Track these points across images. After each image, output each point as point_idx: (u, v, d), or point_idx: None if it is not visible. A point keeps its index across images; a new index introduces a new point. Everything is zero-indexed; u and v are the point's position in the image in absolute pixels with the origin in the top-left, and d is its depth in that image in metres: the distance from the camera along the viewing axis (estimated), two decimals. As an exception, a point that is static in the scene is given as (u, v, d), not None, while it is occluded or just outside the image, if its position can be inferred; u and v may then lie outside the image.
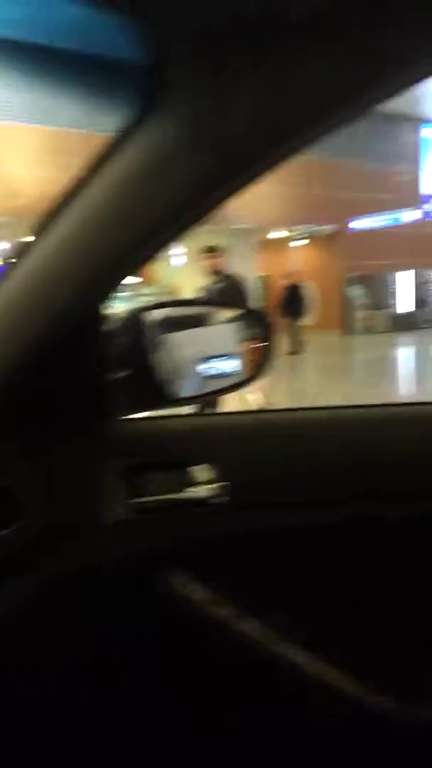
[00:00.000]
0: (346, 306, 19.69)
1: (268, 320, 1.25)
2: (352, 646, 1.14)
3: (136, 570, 1.10)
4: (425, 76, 0.64)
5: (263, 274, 19.74)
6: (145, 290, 20.62)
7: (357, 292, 18.56)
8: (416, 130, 20.98)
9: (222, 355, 1.37)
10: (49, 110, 14.25)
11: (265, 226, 18.22)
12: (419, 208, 19.87)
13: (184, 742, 1.18)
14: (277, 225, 18.40)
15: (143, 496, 1.06)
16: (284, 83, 0.64)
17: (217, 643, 1.12)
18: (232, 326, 1.40)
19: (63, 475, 1.05)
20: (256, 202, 17.31)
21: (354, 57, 0.61)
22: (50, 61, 13.91)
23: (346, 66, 0.62)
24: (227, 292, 5.76)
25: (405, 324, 19.95)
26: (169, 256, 20.37)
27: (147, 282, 21.80)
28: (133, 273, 0.90)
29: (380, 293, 20.05)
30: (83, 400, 1.04)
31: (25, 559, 1.01)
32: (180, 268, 19.42)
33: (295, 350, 15.10)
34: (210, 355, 1.38)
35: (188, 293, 17.97)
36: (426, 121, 20.82)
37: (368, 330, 19.63)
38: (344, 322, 19.72)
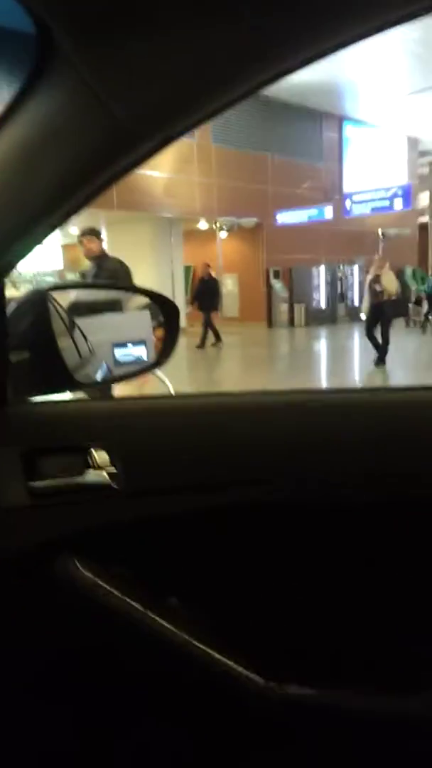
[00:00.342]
0: (270, 299, 19.96)
1: (172, 306, 1.24)
2: (249, 630, 1.14)
3: (33, 555, 1.08)
4: (301, 63, 0.63)
5: (188, 264, 19.82)
6: (70, 275, 20.34)
7: (279, 286, 18.80)
8: (339, 127, 21.46)
9: (130, 341, 1.38)
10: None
11: (190, 217, 18.23)
12: (341, 203, 20.31)
13: (80, 727, 1.18)
14: (202, 215, 18.46)
15: (40, 480, 1.05)
16: (165, 61, 0.63)
17: (113, 628, 1.11)
18: (141, 312, 1.39)
19: None
20: (182, 192, 17.39)
21: (233, 40, 0.60)
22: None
23: (225, 48, 0.61)
24: (104, 277, 5.58)
25: (325, 317, 20.39)
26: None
27: (71, 267, 21.52)
28: (25, 252, 0.89)
29: (302, 287, 20.36)
30: None
31: None
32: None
33: (211, 342, 14.96)
34: (119, 339, 1.39)
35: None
36: (348, 118, 21.32)
37: (290, 323, 19.95)
38: (268, 315, 19.97)
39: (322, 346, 16.28)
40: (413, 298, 19.19)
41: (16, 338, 1.05)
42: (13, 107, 0.73)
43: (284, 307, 19.98)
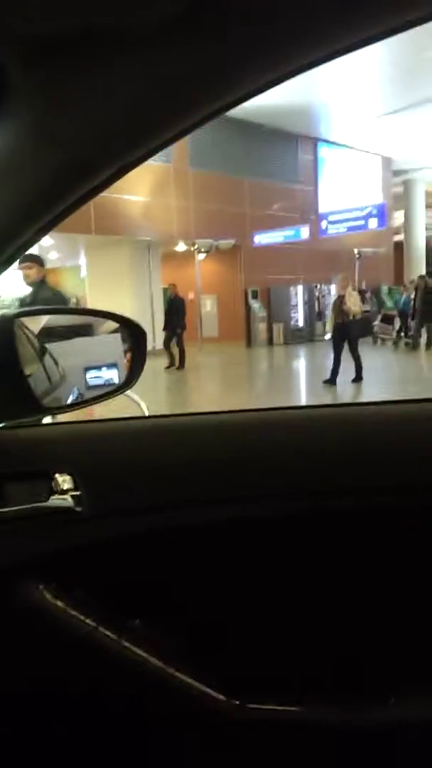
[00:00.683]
0: (248, 319, 20.08)
1: (139, 330, 1.25)
2: (212, 649, 1.15)
3: None
4: (259, 88, 0.63)
5: (166, 285, 19.93)
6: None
7: (257, 305, 18.93)
8: (314, 149, 21.80)
9: (101, 364, 1.38)
10: None
11: (168, 239, 18.37)
12: (317, 224, 20.59)
13: (44, 753, 1.17)
14: (180, 238, 18.60)
15: (3, 505, 1.05)
16: (116, 92, 0.63)
17: (78, 652, 1.10)
18: (112, 336, 1.39)
19: None
20: (160, 215, 17.53)
21: (184, 68, 0.59)
22: None
23: (176, 76, 0.60)
24: (38, 304, 5.47)
25: (303, 336, 20.54)
26: (78, 267, 20.23)
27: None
28: None
29: (280, 306, 20.50)
30: None
31: None
32: (85, 278, 19.31)
33: (176, 363, 14.70)
34: (89, 364, 1.39)
35: (93, 304, 17.91)
36: (322, 140, 21.67)
37: (269, 342, 20.04)
38: (246, 334, 20.07)
39: (300, 364, 16.38)
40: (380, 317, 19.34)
41: None
42: None
43: (263, 327, 20.09)
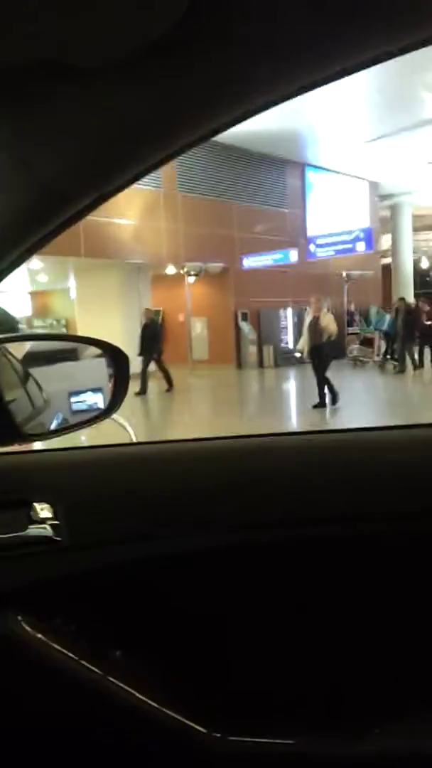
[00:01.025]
0: (238, 341, 20.11)
1: (121, 355, 1.25)
2: (194, 681, 1.14)
3: None
4: (225, 125, 0.63)
5: (158, 308, 19.97)
6: (39, 322, 20.40)
7: (247, 328, 18.97)
8: (300, 174, 22.03)
9: (86, 389, 1.37)
10: None
11: (158, 263, 18.45)
12: (305, 247, 20.75)
13: None
14: (170, 261, 18.69)
15: None
16: (90, 121, 0.62)
17: (57, 684, 1.09)
18: (96, 361, 1.39)
19: None
20: (149, 238, 17.63)
21: (156, 98, 0.59)
22: None
23: (151, 105, 0.60)
24: None
25: (293, 358, 20.55)
26: (67, 289, 20.28)
27: (40, 314, 21.56)
28: None
29: (270, 329, 20.54)
30: None
31: None
32: (75, 301, 19.33)
33: (146, 391, 13.84)
34: (73, 389, 1.38)
35: (82, 327, 17.94)
36: (310, 165, 21.89)
37: (259, 364, 20.04)
38: (237, 357, 20.07)
39: (290, 387, 16.41)
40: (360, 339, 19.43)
41: None
42: None
43: (253, 349, 20.09)
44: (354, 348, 18.36)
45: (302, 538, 1.15)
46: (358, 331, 19.89)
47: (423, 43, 0.54)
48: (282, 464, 1.21)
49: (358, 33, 0.53)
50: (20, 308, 19.53)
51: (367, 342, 19.10)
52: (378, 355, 18.22)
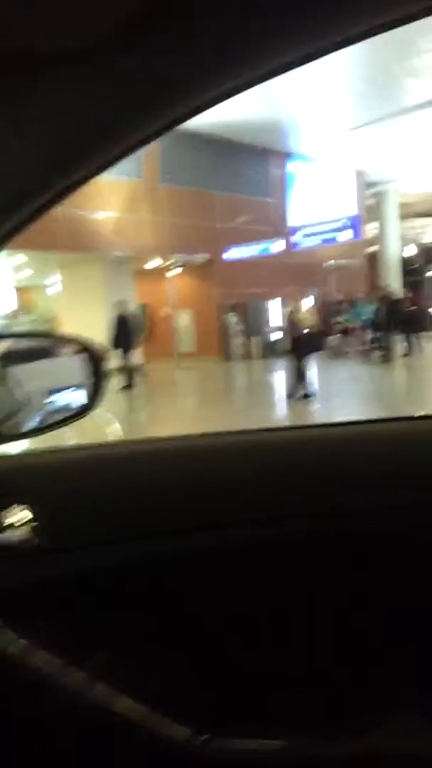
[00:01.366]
0: (223, 333, 20.06)
1: (95, 352, 1.25)
2: (178, 682, 1.13)
3: None
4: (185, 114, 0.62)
5: (141, 302, 19.89)
6: (23, 318, 20.27)
7: (233, 320, 18.95)
8: (283, 164, 21.93)
9: (66, 387, 1.34)
10: None
11: (140, 255, 18.34)
12: (287, 238, 20.65)
13: None
14: (152, 253, 18.59)
15: None
16: (61, 111, 0.61)
17: (38, 687, 1.06)
18: (76, 358, 1.35)
19: None
20: (132, 231, 17.50)
21: (115, 90, 0.58)
22: None
23: (117, 96, 0.59)
24: None
25: (280, 349, 20.56)
26: (47, 285, 20.13)
27: (25, 310, 21.40)
28: None
29: (254, 321, 20.50)
30: None
31: None
32: (58, 297, 19.23)
33: (128, 384, 13.69)
34: (53, 386, 1.37)
35: (67, 322, 17.82)
36: (292, 155, 21.80)
37: (247, 356, 20.02)
38: (222, 349, 20.04)
39: (277, 378, 16.32)
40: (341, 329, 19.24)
41: None
42: None
43: (239, 341, 20.08)
44: (334, 339, 18.18)
45: (293, 534, 1.14)
46: (340, 321, 19.72)
47: (410, 18, 0.54)
48: (271, 459, 1.20)
49: (347, 4, 0.52)
50: (6, 304, 19.36)
51: (345, 333, 18.89)
52: (363, 344, 18.09)
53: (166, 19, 0.51)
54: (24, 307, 21.59)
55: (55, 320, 19.48)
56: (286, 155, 21.70)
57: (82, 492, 1.14)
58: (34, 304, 22.30)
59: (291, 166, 22.13)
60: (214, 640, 1.17)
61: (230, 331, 20.02)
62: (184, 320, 20.35)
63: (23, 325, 18.22)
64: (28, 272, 18.95)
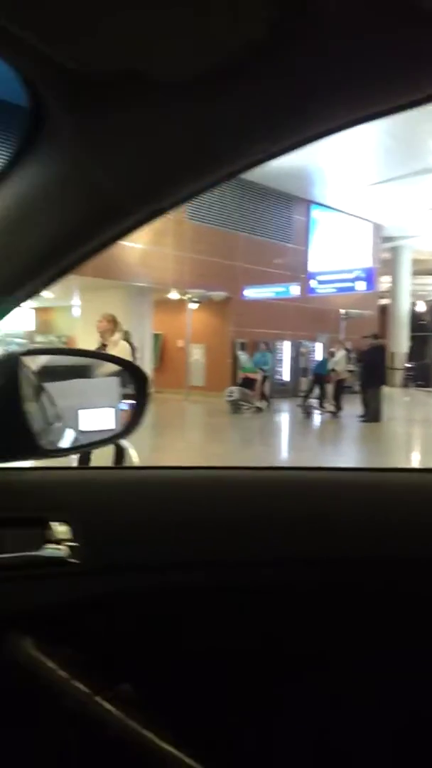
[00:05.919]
0: (234, 370, 20.25)
1: (141, 375, 1.23)
2: (204, 721, 1.10)
3: None
4: (291, 146, 0.62)
5: (158, 332, 20.22)
6: (41, 338, 20.52)
7: (243, 358, 19.04)
8: (306, 211, 22.50)
9: (97, 408, 1.35)
10: None
11: (162, 287, 18.70)
12: (306, 282, 21.01)
13: None
14: (173, 286, 18.93)
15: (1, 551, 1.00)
16: (156, 139, 0.61)
17: (61, 713, 1.04)
18: (111, 380, 1.37)
19: None
20: (155, 263, 17.86)
21: (224, 121, 0.58)
22: None
23: (217, 128, 0.59)
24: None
25: (287, 391, 20.68)
26: (66, 307, 20.39)
27: (42, 330, 21.74)
28: (3, 315, 0.86)
29: (270, 360, 20.58)
30: None
31: None
32: (78, 318, 19.47)
33: None
34: (86, 406, 1.35)
35: (85, 344, 18.02)
36: (315, 203, 22.37)
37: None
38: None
39: (274, 419, 16.28)
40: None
41: None
42: (2, 177, 0.72)
43: (248, 379, 20.20)
44: (234, 390, 16.53)
45: (314, 577, 1.13)
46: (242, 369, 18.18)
47: None
48: (298, 500, 1.18)
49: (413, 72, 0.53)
50: (23, 323, 19.66)
51: (249, 383, 17.04)
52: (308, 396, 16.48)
53: (275, 58, 0.51)
54: (42, 327, 21.85)
55: (71, 342, 19.71)
56: (310, 203, 22.25)
57: (119, 514, 1.11)
58: (52, 325, 22.58)
59: (314, 213, 22.66)
60: (245, 678, 1.13)
61: (240, 368, 20.12)
62: (196, 354, 20.63)
63: (40, 345, 18.37)
64: (48, 293, 19.24)
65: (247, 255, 20.49)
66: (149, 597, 1.10)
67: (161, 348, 21.15)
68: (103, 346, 8.10)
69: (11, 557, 1.00)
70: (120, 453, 6.16)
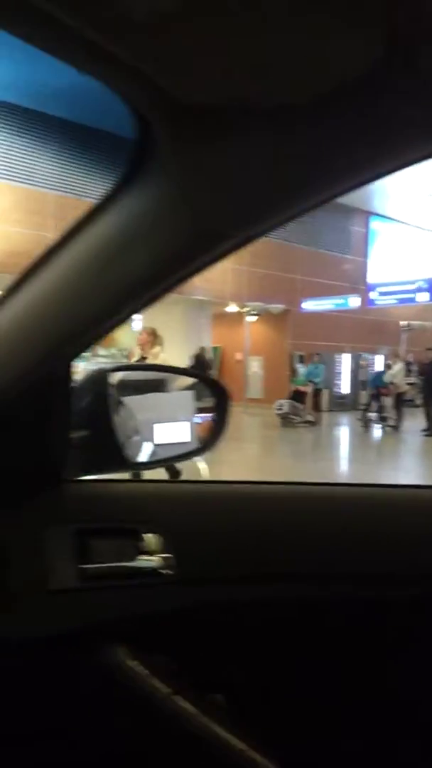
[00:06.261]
0: (292, 383, 20.17)
1: (223, 390, 1.23)
2: (295, 728, 1.10)
3: (79, 639, 1.04)
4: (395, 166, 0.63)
5: (217, 345, 20.36)
6: (103, 352, 20.85)
7: (303, 370, 18.93)
8: (365, 223, 22.34)
9: (173, 422, 1.37)
10: (30, 171, 14.76)
11: (221, 300, 18.82)
12: (364, 295, 20.85)
13: None
14: (232, 300, 19.04)
15: (92, 561, 1.02)
16: (264, 164, 0.62)
17: (155, 721, 1.04)
18: (185, 394, 1.40)
19: (15, 536, 1.00)
20: (215, 276, 17.97)
21: (334, 145, 0.58)
22: (40, 125, 14.49)
23: (326, 152, 0.59)
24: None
25: (346, 404, 20.52)
26: (131, 320, 20.64)
27: (105, 344, 22.08)
28: (96, 341, 0.88)
29: (325, 373, 20.60)
30: (40, 459, 1.02)
31: None
32: (138, 332, 19.72)
33: None
34: (162, 420, 1.37)
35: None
36: (375, 214, 22.20)
37: (313, 407, 19.88)
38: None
39: (332, 432, 16.11)
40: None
41: (75, 416, 1.05)
42: (104, 205, 0.73)
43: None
44: (283, 403, 16.25)
45: (397, 591, 1.14)
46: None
47: None
48: (379, 516, 1.19)
49: None
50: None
51: (299, 396, 16.95)
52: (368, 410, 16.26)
53: (383, 86, 0.51)
54: (103, 341, 22.08)
55: (131, 355, 19.97)
56: (369, 214, 22.11)
57: (212, 527, 1.12)
58: (113, 339, 22.93)
59: (373, 224, 22.51)
60: (341, 692, 1.14)
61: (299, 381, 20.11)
62: (255, 366, 20.66)
63: (101, 358, 18.71)
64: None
65: (305, 267, 20.47)
66: (238, 608, 1.11)
67: (220, 361, 21.25)
68: (143, 358, 8.16)
69: (108, 567, 1.02)
70: (173, 470, 6.13)
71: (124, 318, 0.84)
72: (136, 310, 0.83)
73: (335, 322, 20.68)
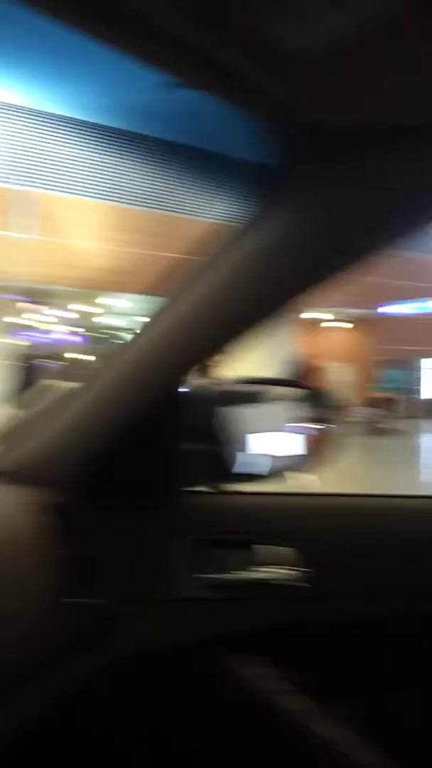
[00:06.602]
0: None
1: (330, 402, 1.22)
2: (423, 747, 1.08)
3: (198, 648, 1.04)
4: None
5: (299, 352, 20.21)
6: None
7: (384, 377, 18.62)
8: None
9: (288, 433, 1.33)
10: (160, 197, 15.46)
11: (305, 307, 18.58)
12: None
13: None
14: (317, 307, 18.91)
15: (211, 572, 1.02)
16: (401, 187, 0.62)
17: (274, 735, 1.04)
18: (280, 405, 1.37)
19: (134, 548, 1.01)
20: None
21: None
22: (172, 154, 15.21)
23: None
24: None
25: (429, 410, 20.00)
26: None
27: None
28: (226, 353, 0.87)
29: (407, 379, 20.20)
30: (156, 472, 1.03)
31: (94, 634, 0.98)
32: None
33: None
34: (258, 431, 1.31)
35: (240, 367, 18.26)
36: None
37: (409, 414, 19.46)
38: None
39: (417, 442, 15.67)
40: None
41: (186, 430, 1.06)
42: (244, 231, 0.74)
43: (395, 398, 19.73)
44: (359, 411, 15.78)
45: None
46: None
47: None
48: None
49: None
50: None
51: (377, 403, 16.50)
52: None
53: None
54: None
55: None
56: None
57: (339, 540, 1.10)
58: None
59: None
60: None
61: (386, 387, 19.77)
62: (339, 373, 20.45)
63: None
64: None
65: (390, 271, 20.08)
66: (371, 623, 1.09)
67: (304, 368, 21.05)
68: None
69: (228, 577, 1.03)
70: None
71: (258, 333, 0.84)
72: (265, 328, 0.83)
73: (421, 326, 20.14)
